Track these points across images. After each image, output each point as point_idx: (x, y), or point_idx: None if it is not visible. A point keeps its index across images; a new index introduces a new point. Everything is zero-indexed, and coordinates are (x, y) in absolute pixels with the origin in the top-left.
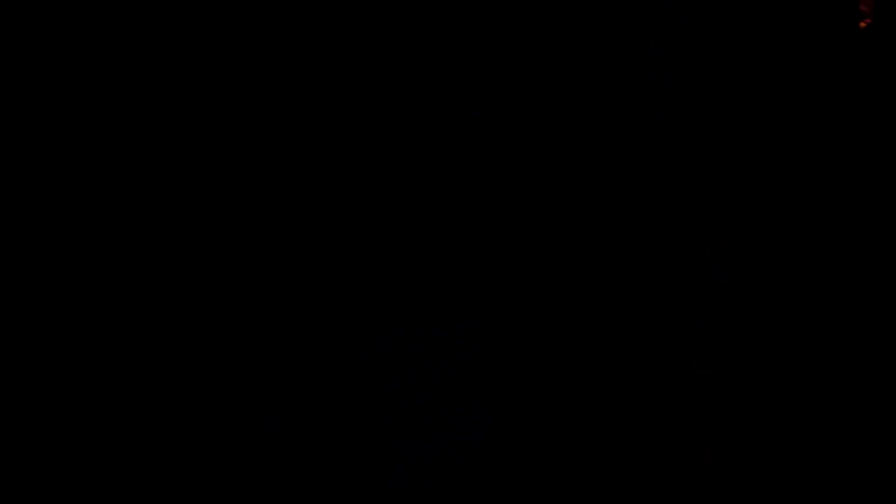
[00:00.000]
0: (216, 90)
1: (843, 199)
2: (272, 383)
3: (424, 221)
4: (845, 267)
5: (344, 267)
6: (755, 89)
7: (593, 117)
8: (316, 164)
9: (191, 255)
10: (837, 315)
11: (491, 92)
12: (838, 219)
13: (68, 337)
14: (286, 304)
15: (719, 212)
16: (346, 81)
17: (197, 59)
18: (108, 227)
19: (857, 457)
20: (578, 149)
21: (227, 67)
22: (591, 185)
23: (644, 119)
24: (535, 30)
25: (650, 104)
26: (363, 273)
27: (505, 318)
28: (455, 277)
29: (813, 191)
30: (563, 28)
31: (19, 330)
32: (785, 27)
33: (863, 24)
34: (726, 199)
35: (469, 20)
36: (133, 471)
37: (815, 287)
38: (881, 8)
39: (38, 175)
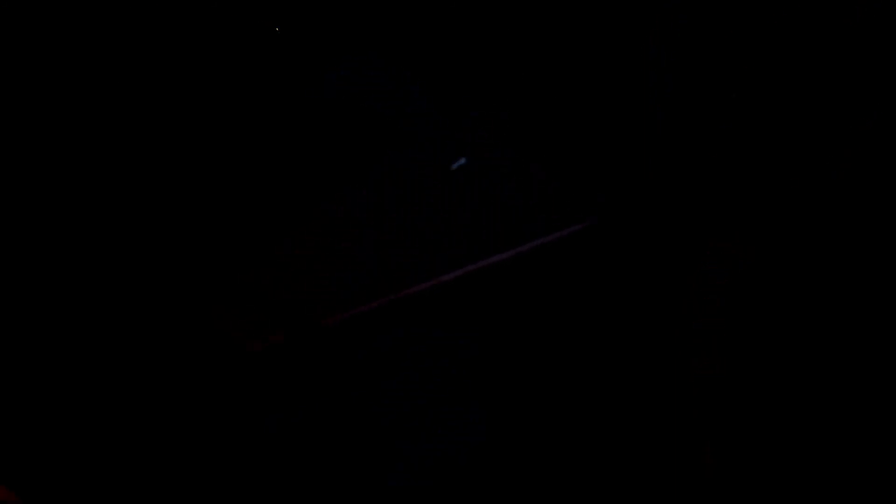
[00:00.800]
0: (211, 90)
1: (843, 199)
2: (272, 383)
3: (425, 221)
4: (845, 267)
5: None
6: (755, 89)
7: (593, 117)
8: (315, 164)
9: (189, 252)
10: (838, 315)
11: (491, 91)
12: (838, 219)
13: (68, 334)
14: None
15: (719, 212)
16: (340, 80)
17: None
18: (109, 226)
19: (858, 457)
20: (578, 149)
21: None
22: (590, 185)
23: (644, 119)
24: (535, 29)
25: (650, 104)
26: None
27: (505, 318)
28: (455, 277)
29: (813, 191)
30: (562, 27)
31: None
32: (784, 27)
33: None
34: (726, 199)
35: (468, 19)
36: (132, 470)
37: (815, 287)
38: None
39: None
